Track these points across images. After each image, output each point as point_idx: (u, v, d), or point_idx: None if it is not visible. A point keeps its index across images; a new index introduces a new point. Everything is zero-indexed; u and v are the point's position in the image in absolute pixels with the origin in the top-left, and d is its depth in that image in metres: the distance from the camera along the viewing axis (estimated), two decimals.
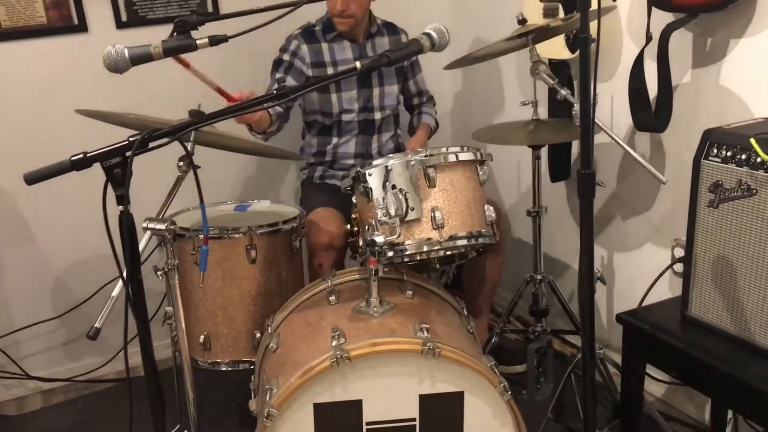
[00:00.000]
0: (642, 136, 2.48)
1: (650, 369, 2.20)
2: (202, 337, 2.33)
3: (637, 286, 2.54)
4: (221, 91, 2.13)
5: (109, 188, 1.45)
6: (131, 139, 1.46)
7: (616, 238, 2.74)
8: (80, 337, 3.04)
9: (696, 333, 1.91)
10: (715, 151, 1.80)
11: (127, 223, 1.47)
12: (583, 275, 1.61)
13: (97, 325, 1.68)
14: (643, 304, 2.38)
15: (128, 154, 1.44)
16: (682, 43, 2.26)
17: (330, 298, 2.08)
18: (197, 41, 1.59)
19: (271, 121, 2.58)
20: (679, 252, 2.36)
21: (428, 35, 1.64)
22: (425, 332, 1.82)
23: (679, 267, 2.32)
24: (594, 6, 1.67)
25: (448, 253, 2.15)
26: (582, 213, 1.64)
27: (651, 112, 2.32)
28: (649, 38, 2.23)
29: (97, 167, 1.47)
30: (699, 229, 1.87)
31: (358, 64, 1.56)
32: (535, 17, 2.54)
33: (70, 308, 2.99)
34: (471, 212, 2.05)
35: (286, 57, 2.75)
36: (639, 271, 2.63)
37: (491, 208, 2.12)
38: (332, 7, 2.67)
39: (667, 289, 2.47)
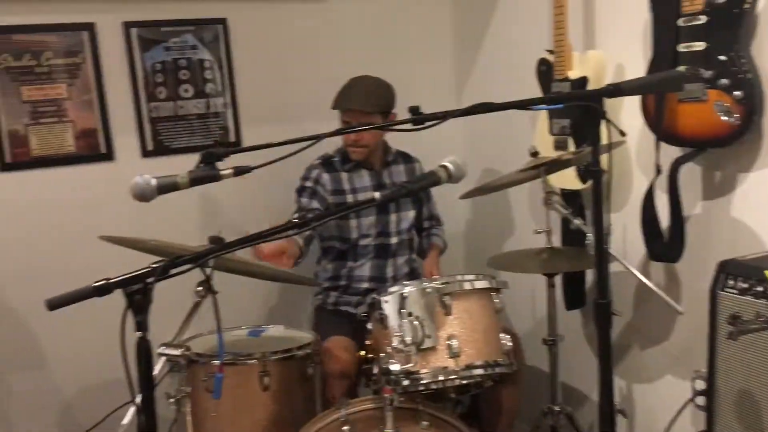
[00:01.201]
0: (656, 265, 2.49)
1: None
2: None
3: (659, 420, 2.47)
4: (256, 250, 2.29)
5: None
6: (154, 265, 1.48)
7: (634, 368, 2.69)
8: None
9: None
10: (732, 282, 1.81)
11: (144, 350, 1.46)
12: (602, 409, 1.58)
13: None
14: None
15: (150, 280, 1.46)
16: (691, 175, 2.31)
17: (343, 428, 2.03)
18: (221, 172, 1.64)
19: (301, 251, 2.64)
20: (700, 384, 2.29)
21: (445, 167, 1.69)
22: None
23: (700, 400, 2.26)
24: (605, 140, 1.74)
25: (464, 382, 2.11)
26: (600, 343, 1.63)
27: (664, 242, 2.34)
28: (658, 171, 2.29)
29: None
30: (720, 361, 1.85)
31: (377, 194, 1.60)
32: (547, 149, 2.62)
33: None
34: (487, 340, 2.04)
35: (309, 184, 2.85)
36: (660, 404, 2.56)
37: (507, 336, 2.11)
38: (346, 138, 2.78)
39: (689, 423, 2.40)
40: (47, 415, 2.94)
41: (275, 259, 2.37)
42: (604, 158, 1.72)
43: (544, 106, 2.43)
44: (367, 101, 2.74)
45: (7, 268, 2.82)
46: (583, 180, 2.56)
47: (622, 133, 1.79)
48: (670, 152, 2.28)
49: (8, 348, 2.86)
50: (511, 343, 2.10)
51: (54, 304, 1.45)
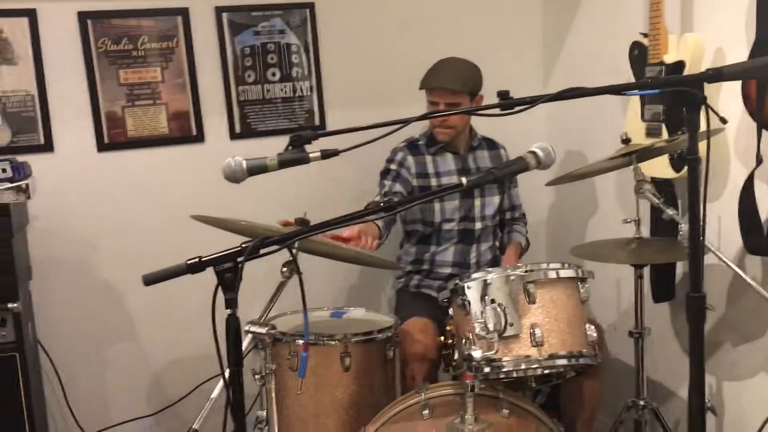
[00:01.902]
0: (753, 259, 2.38)
1: None
2: None
3: (750, 419, 2.37)
4: (335, 237, 2.28)
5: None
6: (244, 245, 1.52)
7: (726, 365, 2.58)
8: None
9: None
10: None
11: (234, 327, 1.50)
12: (693, 406, 1.53)
13: (195, 426, 1.71)
14: None
15: (240, 259, 1.50)
16: None
17: (423, 411, 2.04)
18: (310, 154, 1.66)
19: (381, 234, 2.64)
20: None
21: (534, 153, 1.66)
22: None
23: None
24: (703, 126, 1.66)
25: (546, 372, 2.08)
26: (692, 338, 1.57)
27: (763, 236, 2.24)
28: (759, 160, 2.19)
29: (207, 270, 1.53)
30: None
31: (464, 180, 1.58)
32: (638, 136, 2.54)
33: (165, 406, 3.04)
34: (572, 331, 2.00)
35: (393, 167, 2.85)
36: (751, 403, 2.46)
37: (593, 327, 2.07)
38: (433, 119, 2.77)
39: None
40: (139, 386, 3.08)
41: (357, 241, 2.39)
42: (701, 146, 1.65)
43: (639, 91, 2.35)
44: (455, 80, 2.72)
45: (103, 245, 2.96)
46: (676, 168, 2.47)
47: (723, 120, 1.71)
48: None
49: (105, 322, 3.00)
50: (596, 334, 2.06)
51: (149, 280, 1.51)
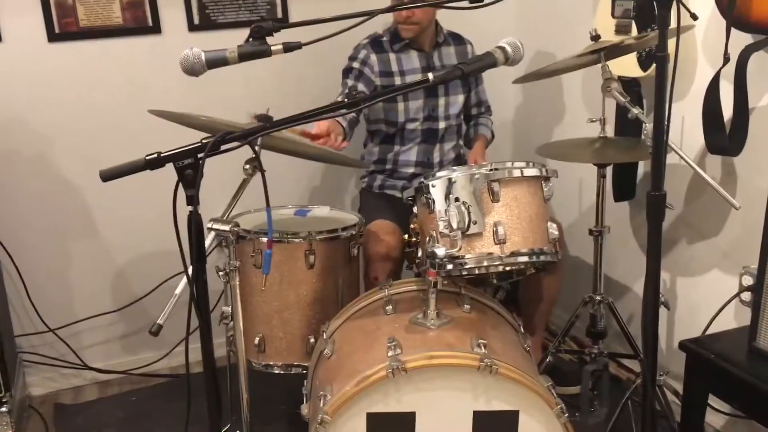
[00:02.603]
0: (713, 159, 2.41)
1: (712, 399, 2.13)
2: (257, 339, 2.35)
3: (701, 313, 2.47)
4: (304, 133, 2.26)
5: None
6: (204, 141, 1.48)
7: (681, 262, 2.66)
8: (138, 331, 3.12)
9: (763, 365, 1.85)
10: None
11: (195, 223, 1.49)
12: (648, 299, 1.58)
13: (159, 321, 1.71)
14: (708, 332, 2.30)
15: (201, 155, 1.47)
16: (761, 65, 2.19)
17: (387, 307, 2.07)
18: (272, 47, 1.60)
19: (345, 133, 2.60)
20: (747, 280, 2.27)
21: (502, 49, 1.62)
22: (482, 348, 1.80)
23: (746, 296, 2.24)
24: (673, 24, 1.64)
25: (508, 269, 2.12)
26: (650, 236, 1.60)
27: (725, 135, 2.25)
28: (726, 59, 2.17)
29: (167, 167, 1.50)
30: None
31: (430, 75, 1.55)
32: (607, 33, 2.50)
33: (130, 302, 3.06)
34: (534, 229, 2.02)
35: (356, 65, 2.77)
36: (703, 298, 2.55)
37: (554, 225, 2.09)
38: (398, 14, 2.68)
39: (732, 319, 2.39)
40: (103, 282, 3.07)
41: (326, 138, 2.36)
42: (670, 44, 1.62)
43: None
44: None
45: (59, 139, 2.87)
46: (644, 67, 2.45)
47: (694, 17, 1.68)
48: (740, 40, 2.15)
49: (65, 217, 2.95)
50: (557, 233, 2.08)
51: (107, 176, 1.48)
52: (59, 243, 2.97)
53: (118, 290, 3.08)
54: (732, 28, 2.14)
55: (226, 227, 1.80)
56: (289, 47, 1.63)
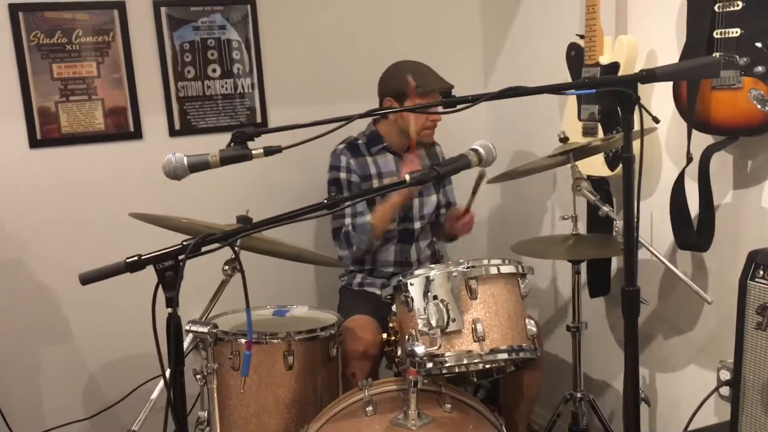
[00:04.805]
0: (683, 254, 2.47)
1: None
2: None
3: (681, 409, 2.46)
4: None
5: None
6: (185, 243, 1.50)
7: (658, 357, 2.67)
8: None
9: None
10: (762, 272, 1.79)
11: (174, 326, 1.48)
12: (627, 396, 1.58)
13: (134, 428, 1.68)
14: (689, 428, 2.29)
15: (181, 257, 1.48)
16: (723, 164, 2.28)
17: (367, 408, 2.05)
18: (253, 151, 1.65)
19: None
20: (725, 374, 2.28)
21: (476, 151, 1.69)
22: None
23: (725, 390, 2.25)
24: (637, 126, 1.72)
25: (488, 366, 2.11)
26: (627, 331, 1.62)
27: (693, 231, 2.32)
28: (689, 159, 2.26)
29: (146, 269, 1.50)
30: (747, 352, 1.83)
31: (407, 176, 1.60)
32: (575, 135, 2.60)
33: (102, 409, 2.97)
34: (512, 325, 2.04)
35: (343, 176, 2.81)
36: (683, 393, 2.55)
37: (532, 321, 2.11)
38: (424, 120, 2.70)
39: (712, 413, 2.38)
40: (75, 389, 2.99)
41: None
42: (635, 145, 1.70)
43: (575, 91, 2.40)
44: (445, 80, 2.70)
45: (37, 244, 2.86)
46: (611, 167, 2.54)
47: (656, 120, 1.76)
48: (702, 140, 2.26)
49: (39, 322, 2.91)
50: (535, 329, 2.10)
51: (86, 279, 1.48)
52: (31, 348, 2.91)
53: (89, 396, 3.00)
54: (693, 130, 2.25)
55: (205, 329, 1.79)
56: (269, 151, 1.67)
